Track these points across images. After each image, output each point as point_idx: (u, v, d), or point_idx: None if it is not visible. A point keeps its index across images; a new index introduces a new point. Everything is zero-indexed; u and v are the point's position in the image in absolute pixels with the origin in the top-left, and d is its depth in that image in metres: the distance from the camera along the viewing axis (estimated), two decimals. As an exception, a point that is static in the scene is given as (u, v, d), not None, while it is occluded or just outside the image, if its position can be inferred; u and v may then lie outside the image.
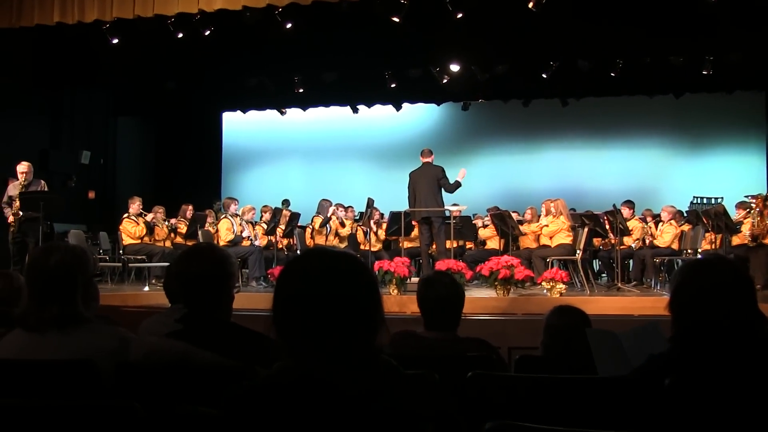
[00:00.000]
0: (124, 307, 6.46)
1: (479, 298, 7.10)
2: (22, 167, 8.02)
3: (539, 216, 9.61)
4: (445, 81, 11.75)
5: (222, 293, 2.27)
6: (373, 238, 10.72)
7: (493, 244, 10.26)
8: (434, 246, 8.94)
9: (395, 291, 7.37)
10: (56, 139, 12.65)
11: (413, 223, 9.69)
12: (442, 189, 8.75)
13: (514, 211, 10.30)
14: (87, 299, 2.28)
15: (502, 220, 9.37)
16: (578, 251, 8.51)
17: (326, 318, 1.38)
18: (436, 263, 8.08)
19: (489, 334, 3.48)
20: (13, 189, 7.99)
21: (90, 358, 2.10)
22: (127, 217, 9.74)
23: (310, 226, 10.96)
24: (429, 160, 8.93)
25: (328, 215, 10.53)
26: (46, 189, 8.38)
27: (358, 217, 11.67)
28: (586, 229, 8.60)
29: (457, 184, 8.74)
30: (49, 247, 2.30)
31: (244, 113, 14.62)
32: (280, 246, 10.34)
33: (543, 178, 13.96)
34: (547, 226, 9.03)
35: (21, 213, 7.80)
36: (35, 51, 10.58)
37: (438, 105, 13.83)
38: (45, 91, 12.05)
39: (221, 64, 11.45)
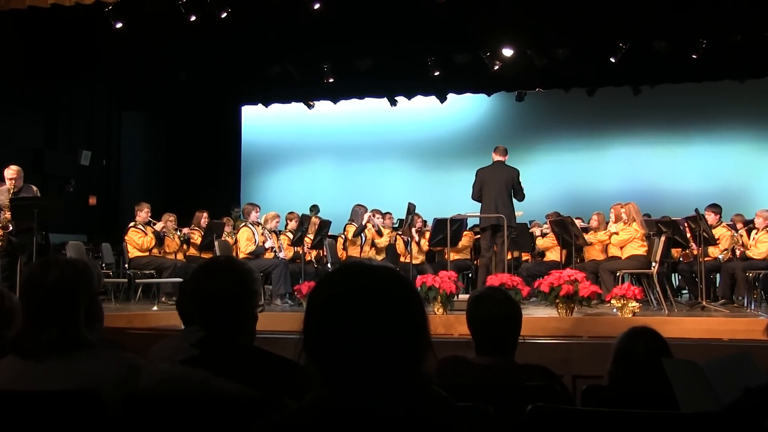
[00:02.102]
0: (131, 329, 6.54)
1: (538, 318, 7.06)
2: (10, 172, 8.07)
3: (607, 223, 9.54)
4: (496, 68, 11.70)
5: (244, 314, 2.28)
6: (414, 248, 10.70)
7: (554, 255, 10.20)
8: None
9: (440, 310, 7.38)
10: (52, 138, 12.86)
11: (464, 233, 9.70)
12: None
13: (577, 218, 10.21)
14: (90, 321, 2.30)
15: (563, 227, 9.30)
16: (654, 264, 8.40)
17: (365, 343, 1.37)
18: (487, 277, 8.05)
19: (550, 360, 3.45)
20: (1, 196, 8.08)
21: (94, 388, 2.11)
22: (134, 226, 9.88)
23: (343, 236, 10.98)
24: (503, 159, 9.00)
25: (363, 223, 10.54)
26: (38, 195, 8.48)
27: (397, 225, 11.67)
28: (663, 238, 8.48)
29: (523, 197, 8.89)
30: (47, 261, 2.32)
31: (266, 107, 14.74)
32: (308, 258, 10.38)
33: (611, 179, 13.81)
34: (616, 234, 8.94)
35: (11, 226, 7.88)
36: (27, 37, 10.79)
37: (488, 95, 13.78)
38: (39, 83, 12.19)
39: (240, 50, 11.58)
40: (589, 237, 9.56)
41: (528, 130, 14.40)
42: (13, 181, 8.02)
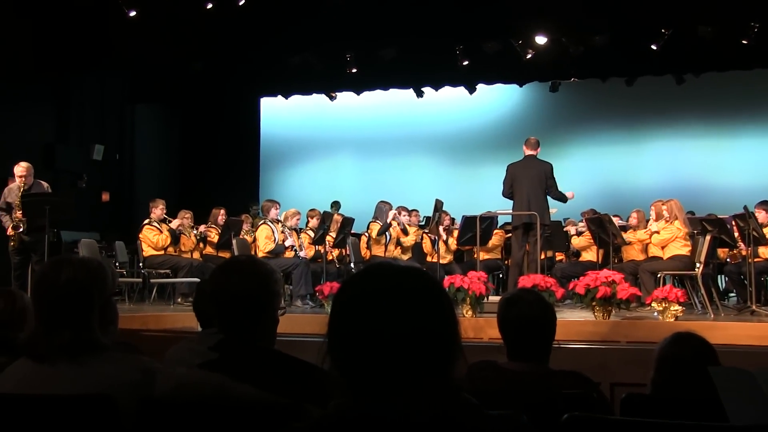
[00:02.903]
0: (145, 331, 6.60)
1: (573, 322, 7.03)
2: (20, 169, 8.18)
3: (647, 221, 9.47)
4: (529, 56, 11.65)
5: (265, 316, 2.29)
6: (442, 248, 10.70)
7: (590, 255, 10.16)
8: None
9: (469, 312, 7.38)
10: (63, 132, 12.97)
11: (494, 231, 9.68)
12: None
13: (615, 215, 10.17)
14: (104, 323, 2.32)
15: (600, 226, 9.26)
16: (698, 264, 8.31)
17: (393, 347, 1.37)
18: (519, 278, 8.04)
19: (586, 366, 3.43)
20: (11, 193, 8.19)
21: (108, 393, 2.14)
22: (149, 223, 9.97)
23: (366, 234, 11.01)
24: (534, 152, 8.97)
25: (388, 221, 10.56)
26: (49, 192, 8.58)
27: (423, 223, 11.67)
28: (708, 237, 8.39)
29: (563, 197, 8.82)
30: (59, 261, 2.34)
31: (286, 98, 14.78)
32: (330, 257, 10.42)
33: (652, 174, 13.72)
34: (657, 233, 8.89)
35: (22, 226, 7.98)
36: (36, 28, 10.90)
37: (520, 86, 13.71)
38: (49, 75, 12.30)
39: (258, 39, 11.61)
40: (627, 236, 9.50)
41: (562, 122, 14.35)
42: (23, 179, 8.13)
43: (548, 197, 8.94)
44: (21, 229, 8.00)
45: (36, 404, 2.17)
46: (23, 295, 3.34)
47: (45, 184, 8.53)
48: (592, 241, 9.87)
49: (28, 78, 11.74)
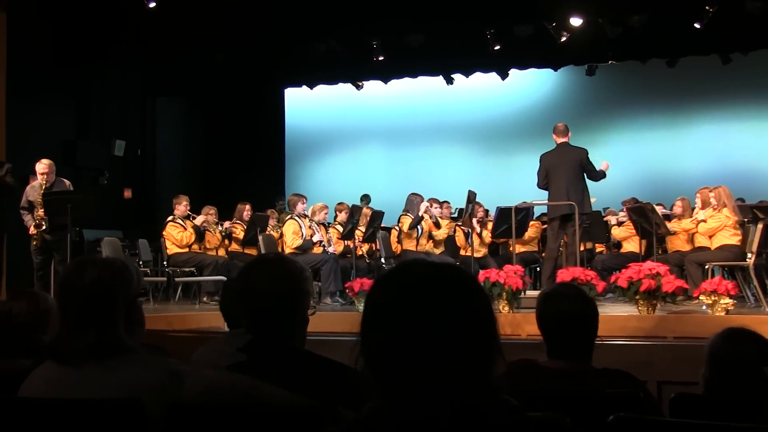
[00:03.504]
0: (171, 332, 6.65)
1: (616, 317, 6.97)
2: (42, 166, 8.28)
3: (693, 209, 9.36)
4: (563, 39, 11.57)
5: (295, 315, 2.29)
6: (476, 241, 10.67)
7: (632, 246, 10.09)
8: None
9: (506, 308, 7.34)
10: (83, 128, 13.10)
11: (530, 223, 9.64)
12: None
13: (658, 204, 10.05)
14: (130, 324, 2.34)
15: (642, 215, 9.19)
16: (750, 255, 8.21)
17: (429, 347, 1.37)
18: (558, 272, 8.00)
19: (631, 363, 3.40)
20: (33, 192, 8.29)
21: (135, 397, 2.15)
22: (172, 220, 10.05)
23: (397, 228, 11.01)
24: (566, 139, 8.90)
25: (419, 213, 10.55)
26: (72, 189, 8.68)
27: (456, 215, 11.66)
28: (760, 226, 8.27)
29: (603, 174, 8.75)
30: (83, 261, 2.37)
31: (311, 89, 14.81)
32: (360, 253, 10.43)
33: (697, 160, 13.58)
34: (704, 221, 8.79)
35: (44, 224, 8.07)
36: (55, 21, 11.01)
37: (555, 70, 13.64)
38: (68, 70, 12.43)
39: (281, 27, 11.65)
40: (672, 225, 9.41)
41: (600, 107, 14.27)
42: (45, 176, 8.22)
43: (586, 185, 8.86)
44: (43, 228, 8.08)
45: (62, 408, 2.19)
46: (47, 296, 3.38)
47: (67, 182, 8.62)
48: (633, 231, 9.79)
49: (47, 73, 11.87)
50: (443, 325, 1.38)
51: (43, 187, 8.20)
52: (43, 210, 8.06)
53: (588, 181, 8.87)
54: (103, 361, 2.24)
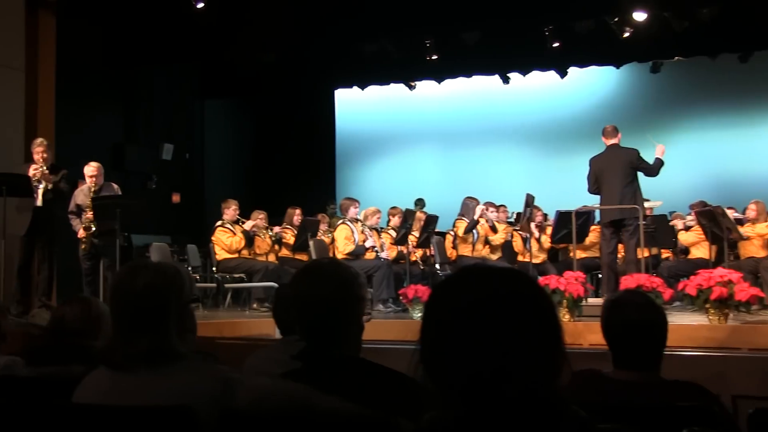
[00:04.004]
0: (221, 339, 6.73)
1: (685, 326, 6.87)
2: (90, 169, 8.43)
3: (768, 213, 9.21)
4: (626, 35, 11.44)
5: (350, 322, 2.30)
6: (534, 246, 10.60)
7: (701, 252, 9.94)
8: (621, 255, 8.80)
9: (567, 316, 7.29)
10: (132, 131, 13.34)
11: (591, 227, 9.56)
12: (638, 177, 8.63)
13: (729, 207, 9.88)
14: (182, 330, 2.38)
15: (712, 219, 9.06)
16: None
17: (494, 356, 1.36)
18: (621, 278, 7.90)
19: (702, 375, 3.36)
20: (82, 195, 8.45)
21: (188, 404, 2.18)
22: (221, 225, 10.15)
23: (452, 233, 10.99)
24: (616, 141, 8.81)
25: (475, 218, 10.52)
26: (120, 194, 8.82)
27: (513, 220, 11.59)
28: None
29: (660, 162, 8.62)
30: (135, 266, 2.41)
31: (363, 89, 14.87)
32: (414, 258, 10.43)
33: (770, 161, 13.33)
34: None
35: (93, 227, 8.22)
36: (103, 24, 11.21)
37: (617, 67, 13.50)
38: (116, 72, 12.68)
39: (332, 27, 11.70)
40: (745, 230, 9.26)
41: (666, 106, 14.10)
42: (94, 179, 8.37)
43: (639, 188, 8.71)
44: (92, 231, 8.23)
45: (115, 415, 2.23)
46: (98, 302, 3.45)
47: (115, 186, 8.76)
48: (702, 236, 9.66)
49: (95, 77, 12.10)
50: (508, 332, 1.37)
51: (92, 191, 8.34)
52: (92, 213, 8.20)
53: (649, 184, 8.76)
54: (156, 368, 2.27)
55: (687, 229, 10.41)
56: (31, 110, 9.41)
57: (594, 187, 8.88)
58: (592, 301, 7.68)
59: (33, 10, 9.44)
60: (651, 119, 13.65)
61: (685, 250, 10.48)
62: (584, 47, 12.20)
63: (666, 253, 10.91)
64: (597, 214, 10.69)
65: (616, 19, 11.33)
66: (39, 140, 8.30)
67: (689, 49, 12.16)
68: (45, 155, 8.18)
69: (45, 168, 8.10)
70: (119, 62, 12.28)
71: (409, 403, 1.91)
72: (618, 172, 8.65)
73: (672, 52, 12.40)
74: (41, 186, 8.07)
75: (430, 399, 1.45)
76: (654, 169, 8.64)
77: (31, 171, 8.06)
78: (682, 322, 7.15)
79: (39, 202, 8.12)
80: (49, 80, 9.70)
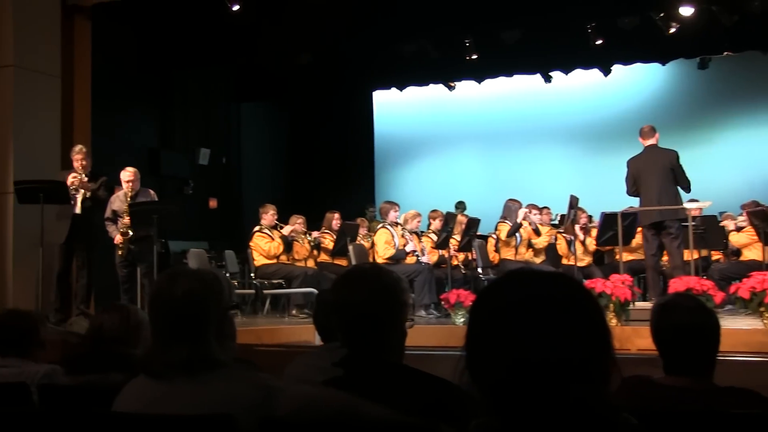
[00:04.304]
0: (260, 346, 6.77)
1: (738, 331, 6.79)
2: (127, 174, 8.53)
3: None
4: (672, 30, 11.35)
5: (393, 328, 2.31)
6: (579, 248, 10.54)
7: (753, 253, 9.82)
8: (665, 258, 8.70)
9: (614, 320, 7.25)
10: (168, 136, 13.46)
11: (638, 229, 9.45)
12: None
13: (783, 207, 9.76)
14: (222, 338, 2.39)
15: (765, 219, 8.95)
16: None
17: (544, 362, 1.35)
18: (669, 281, 7.81)
19: (758, 382, 3.29)
20: (118, 201, 8.54)
21: (228, 413, 2.19)
22: (259, 230, 10.20)
23: (494, 236, 10.96)
24: (653, 141, 8.74)
25: (518, 220, 10.47)
26: (156, 199, 8.91)
27: (557, 222, 11.52)
28: None
29: (688, 183, 8.55)
30: (174, 273, 2.43)
31: (401, 90, 14.90)
32: (455, 262, 10.40)
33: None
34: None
35: (130, 232, 8.31)
36: (138, 28, 11.33)
37: (663, 64, 13.40)
38: (151, 77, 12.83)
39: (369, 27, 11.73)
40: (800, 230, 9.13)
41: (714, 103, 13.95)
42: (131, 184, 8.46)
43: (678, 189, 8.63)
44: (130, 236, 8.31)
45: (155, 423, 2.25)
46: (137, 309, 3.49)
47: (152, 192, 8.85)
48: (755, 237, 9.55)
49: (130, 82, 12.22)
50: (556, 337, 1.36)
51: (128, 196, 8.43)
52: (128, 218, 8.28)
53: (698, 184, 8.67)
54: (196, 376, 2.29)
55: (739, 229, 10.28)
56: (67, 116, 9.50)
57: (633, 188, 8.82)
58: (639, 304, 7.62)
59: (69, 15, 9.55)
60: (699, 117, 13.52)
61: (737, 252, 10.35)
62: (629, 44, 12.14)
63: (716, 255, 10.79)
64: (641, 215, 10.64)
65: (661, 15, 11.26)
66: (78, 147, 8.40)
67: (739, 43, 12.03)
68: (84, 162, 8.28)
69: (84, 176, 8.20)
70: (154, 66, 12.42)
71: (454, 410, 1.90)
72: (656, 173, 8.58)
73: (721, 47, 12.27)
74: (80, 193, 8.18)
75: (476, 406, 1.44)
76: (685, 181, 8.55)
77: (70, 179, 8.16)
78: (735, 326, 7.06)
79: (78, 210, 8.23)
80: (84, 86, 9.80)
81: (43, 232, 8.03)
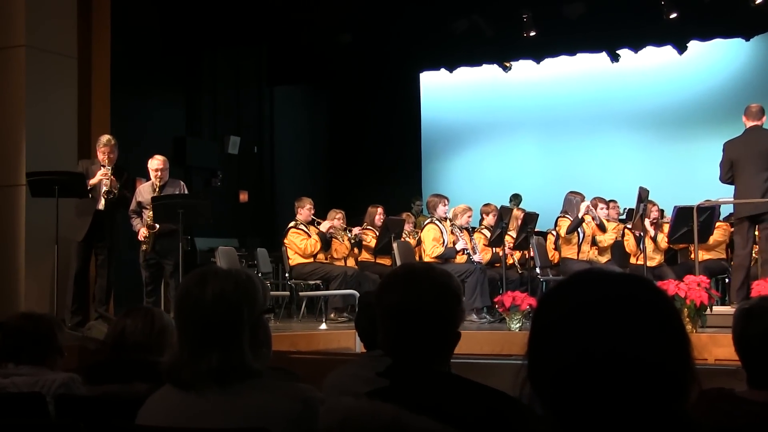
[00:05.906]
0: (295, 354, 6.79)
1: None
2: (155, 163, 8.58)
3: None
4: (759, 1, 11.18)
5: (446, 334, 2.30)
6: (649, 246, 10.46)
7: None
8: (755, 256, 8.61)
9: (689, 327, 7.16)
10: (195, 123, 13.52)
11: (716, 224, 9.36)
12: None
13: None
14: (256, 345, 2.39)
15: None
16: None
17: (616, 373, 1.34)
18: (752, 284, 7.72)
19: None
20: (145, 193, 8.59)
21: (263, 427, 2.20)
22: (295, 226, 10.24)
23: (554, 232, 10.90)
24: (759, 123, 8.58)
25: (580, 215, 10.40)
26: (186, 192, 8.95)
27: (624, 217, 11.45)
28: None
29: None
30: (204, 274, 2.42)
31: (451, 72, 14.86)
32: (510, 262, 10.38)
33: None
34: None
35: (156, 225, 8.33)
36: (161, 5, 11.41)
37: (746, 40, 13.20)
38: (176, 59, 12.87)
39: (415, 2, 11.72)
40: None
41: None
42: (159, 173, 8.50)
43: None
44: (157, 228, 8.34)
45: (184, 438, 2.27)
46: (163, 314, 3.50)
47: (182, 183, 8.90)
48: None
49: (153, 64, 12.29)
50: (630, 344, 1.35)
51: (157, 186, 8.47)
52: (152, 213, 8.33)
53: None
54: (228, 387, 2.29)
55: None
56: (84, 102, 9.54)
57: (728, 175, 8.65)
58: (718, 309, 7.53)
59: (85, -9, 9.63)
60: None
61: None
62: (707, 17, 12.01)
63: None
64: (723, 209, 10.50)
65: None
66: (105, 138, 8.38)
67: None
68: (112, 155, 8.29)
69: (111, 172, 8.21)
70: (179, 47, 12.48)
71: (513, 425, 1.89)
72: (758, 159, 8.41)
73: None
74: (104, 189, 8.21)
75: (538, 421, 1.43)
76: None
77: (98, 176, 8.18)
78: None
79: (101, 206, 8.28)
80: (103, 68, 9.86)
81: (59, 228, 8.07)
